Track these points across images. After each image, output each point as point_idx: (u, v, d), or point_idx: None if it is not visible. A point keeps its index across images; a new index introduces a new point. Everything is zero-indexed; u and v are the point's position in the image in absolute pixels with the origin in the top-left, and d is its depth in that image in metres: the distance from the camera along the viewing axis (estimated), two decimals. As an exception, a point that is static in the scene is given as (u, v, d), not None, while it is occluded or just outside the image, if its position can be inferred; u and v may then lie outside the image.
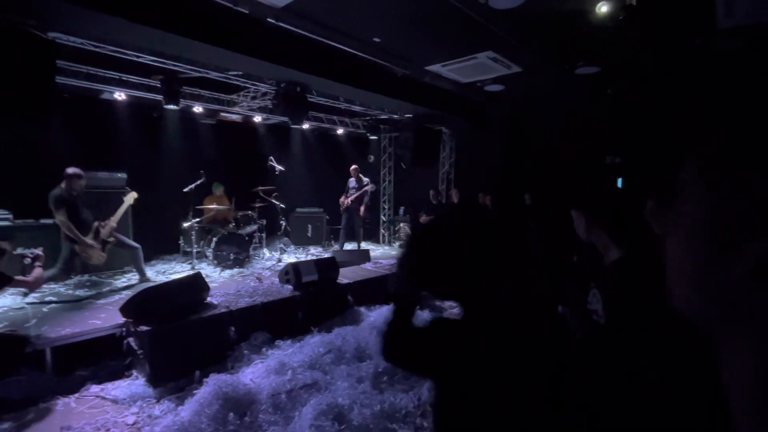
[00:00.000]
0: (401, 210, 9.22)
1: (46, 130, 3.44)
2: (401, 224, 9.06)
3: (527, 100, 6.77)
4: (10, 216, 4.99)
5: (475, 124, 7.28)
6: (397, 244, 8.97)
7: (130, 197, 5.10)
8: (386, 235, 9.33)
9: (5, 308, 4.02)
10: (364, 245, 8.64)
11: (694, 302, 0.34)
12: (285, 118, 6.35)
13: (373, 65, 5.15)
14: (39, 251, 3.58)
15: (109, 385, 3.33)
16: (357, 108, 7.17)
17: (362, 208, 7.54)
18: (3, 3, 3.03)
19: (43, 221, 5.11)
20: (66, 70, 4.82)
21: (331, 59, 4.75)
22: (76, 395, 3.19)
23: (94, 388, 3.28)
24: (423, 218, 6.69)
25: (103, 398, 3.16)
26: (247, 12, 3.76)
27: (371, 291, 5.23)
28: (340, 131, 8.65)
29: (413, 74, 5.57)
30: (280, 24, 4.01)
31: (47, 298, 4.42)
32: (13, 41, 3.10)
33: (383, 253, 7.98)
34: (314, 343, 3.83)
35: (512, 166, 7.17)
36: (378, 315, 4.67)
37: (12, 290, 4.09)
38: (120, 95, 5.75)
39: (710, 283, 0.32)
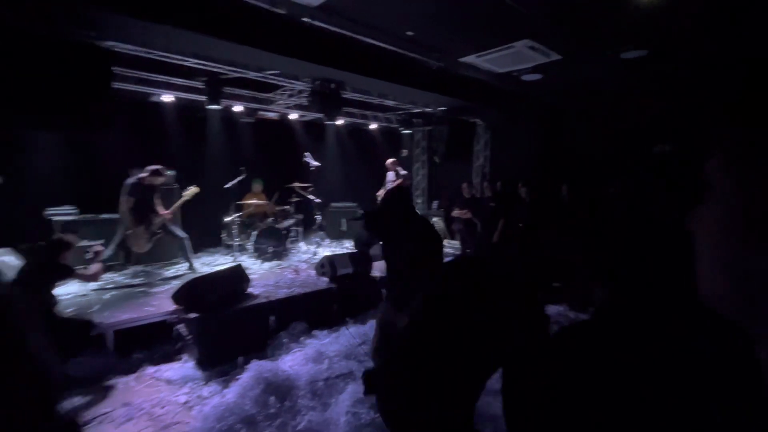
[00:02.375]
0: (434, 204, 9.17)
1: (105, 132, 3.72)
2: (435, 219, 9.01)
3: (567, 88, 6.50)
4: (77, 211, 5.47)
5: (511, 115, 7.09)
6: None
7: (191, 192, 5.41)
8: (419, 229, 9.34)
9: (72, 295, 4.43)
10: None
11: (725, 293, 0.35)
12: (320, 115, 6.51)
13: (406, 59, 5.15)
14: (100, 247, 3.92)
15: (162, 367, 3.60)
16: (390, 102, 7.19)
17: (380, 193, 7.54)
18: (66, 18, 3.31)
19: (104, 216, 5.55)
20: (120, 75, 5.18)
21: (364, 55, 4.80)
22: (134, 375, 3.47)
23: (150, 370, 3.56)
24: (456, 212, 6.62)
25: (158, 379, 3.42)
26: (284, 12, 3.87)
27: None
28: (373, 126, 8.71)
29: (447, 66, 5.51)
30: (315, 23, 4.10)
31: (107, 286, 4.83)
32: (74, 52, 3.38)
33: (416, 248, 7.98)
34: (350, 334, 3.93)
35: (550, 158, 6.93)
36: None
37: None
38: (167, 97, 6.11)
39: (741, 274, 0.32)
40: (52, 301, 3.35)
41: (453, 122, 6.76)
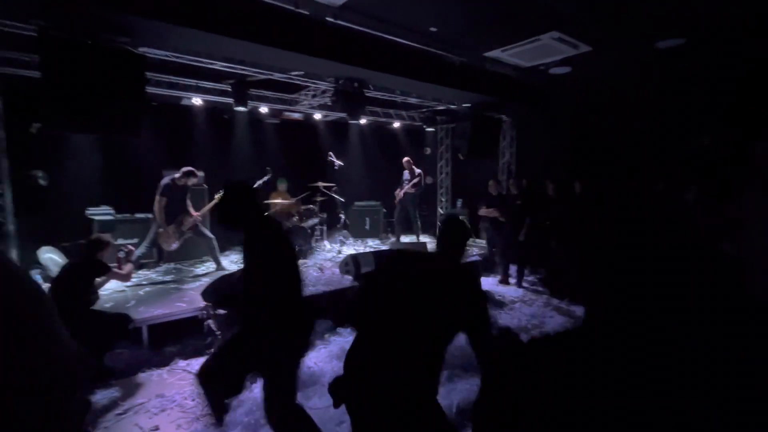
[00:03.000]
0: (459, 202, 9.05)
1: (138, 135, 3.88)
2: (459, 217, 8.90)
3: (598, 81, 6.26)
4: (113, 211, 5.74)
5: (538, 110, 6.90)
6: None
7: (219, 198, 5.58)
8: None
9: (110, 290, 4.64)
10: (422, 238, 8.65)
11: None
12: (343, 114, 6.54)
13: (429, 56, 5.09)
14: (132, 248, 4.09)
15: (193, 361, 3.72)
16: (413, 100, 7.15)
17: (404, 191, 7.51)
18: (102, 25, 3.46)
19: (138, 215, 5.80)
20: (152, 80, 5.39)
21: (388, 53, 4.78)
22: (167, 368, 3.61)
23: (182, 363, 3.69)
24: (482, 210, 6.50)
25: (189, 372, 3.54)
26: (308, 13, 3.91)
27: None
28: (396, 125, 8.69)
29: (471, 62, 5.42)
30: (339, 22, 4.12)
31: (142, 282, 5.04)
32: (110, 58, 3.54)
33: (440, 246, 7.91)
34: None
35: (579, 153, 6.69)
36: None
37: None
38: (197, 100, 6.30)
39: None
40: (93, 296, 3.52)
41: (477, 119, 6.64)
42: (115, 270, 3.67)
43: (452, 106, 7.53)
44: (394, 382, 1.59)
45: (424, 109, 8.32)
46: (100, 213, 5.62)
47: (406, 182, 7.59)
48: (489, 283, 6.37)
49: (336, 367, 3.32)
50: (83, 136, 5.67)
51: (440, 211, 9.26)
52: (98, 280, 3.52)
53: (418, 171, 7.59)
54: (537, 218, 6.05)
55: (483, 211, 6.50)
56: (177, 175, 5.17)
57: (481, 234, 8.11)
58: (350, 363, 1.75)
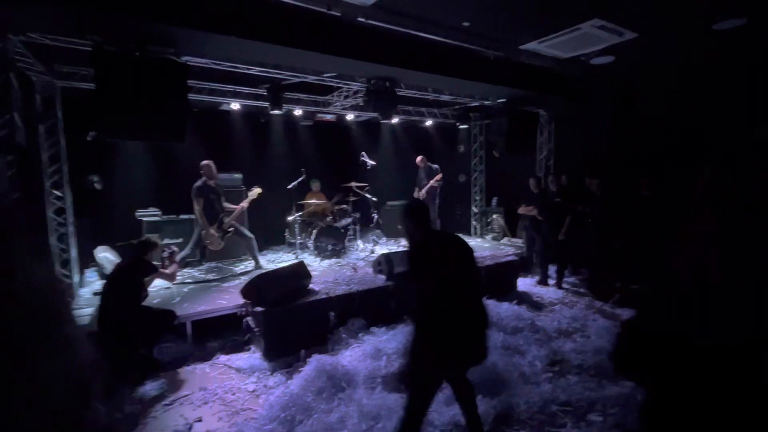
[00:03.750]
0: (494, 201, 8.82)
1: (183, 140, 4.08)
2: (494, 216, 8.67)
3: (644, 70, 5.88)
4: (159, 212, 6.08)
5: (578, 103, 6.58)
6: (490, 236, 8.62)
7: (255, 192, 5.77)
8: (478, 227, 9.03)
9: (157, 287, 4.91)
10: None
11: None
12: (375, 114, 6.56)
13: (462, 51, 4.99)
14: (175, 248, 4.30)
15: (233, 356, 3.87)
16: (446, 97, 7.04)
17: (428, 187, 7.42)
18: (149, 37, 3.67)
19: (182, 216, 6.10)
20: (194, 87, 5.66)
21: (419, 50, 4.74)
22: (209, 362, 3.77)
23: (223, 358, 3.84)
24: (522, 209, 6.28)
25: (229, 367, 3.68)
26: (339, 14, 3.95)
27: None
28: (428, 123, 8.60)
29: (506, 55, 5.25)
30: (370, 22, 4.12)
31: (186, 280, 5.30)
32: (156, 68, 3.74)
33: (475, 246, 7.73)
34: (408, 331, 3.89)
35: (625, 147, 6.32)
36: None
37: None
38: (235, 105, 6.54)
39: None
40: (143, 294, 3.74)
41: (513, 114, 6.44)
42: (162, 270, 3.88)
43: (486, 102, 7.35)
44: (474, 316, 2.25)
45: (457, 106, 8.18)
46: (149, 214, 5.97)
47: (425, 181, 7.54)
48: (526, 284, 6.15)
49: (370, 366, 3.32)
50: (133, 142, 6.05)
51: (474, 210, 9.07)
52: (146, 278, 3.73)
53: (435, 166, 7.52)
54: (578, 216, 5.77)
55: (522, 210, 6.29)
56: (203, 178, 5.36)
57: (519, 233, 7.87)
58: (428, 315, 2.12)
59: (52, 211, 4.85)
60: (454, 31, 4.56)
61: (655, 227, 4.94)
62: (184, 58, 4.32)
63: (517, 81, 5.68)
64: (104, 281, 4.16)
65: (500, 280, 5.59)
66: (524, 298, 5.38)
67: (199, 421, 2.90)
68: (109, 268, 5.09)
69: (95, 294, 4.84)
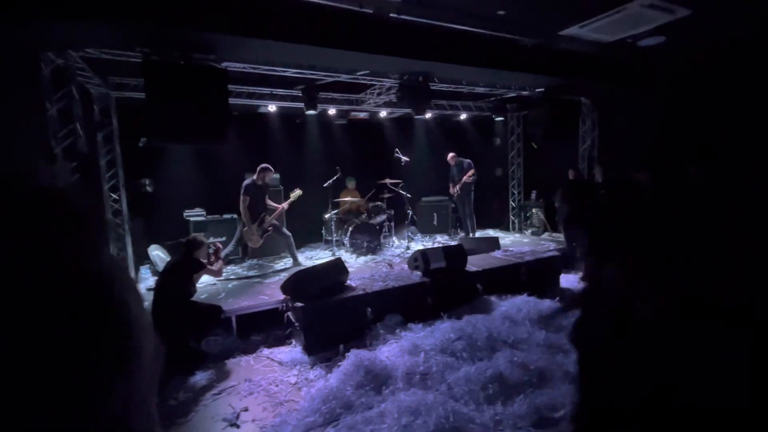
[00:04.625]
0: (533, 194, 8.52)
1: (224, 143, 4.26)
2: (534, 210, 8.38)
3: (699, 50, 5.43)
4: (204, 212, 6.40)
5: (624, 89, 6.20)
6: (530, 231, 8.34)
7: (295, 194, 5.94)
8: (516, 222, 8.77)
9: (204, 284, 5.18)
10: (492, 233, 8.32)
11: None
12: (408, 110, 6.53)
13: (498, 41, 4.85)
14: (219, 244, 4.51)
15: (276, 350, 4.00)
16: (481, 90, 6.88)
17: (461, 184, 7.32)
18: (191, 45, 3.86)
19: (225, 216, 6.39)
20: (233, 92, 5.89)
21: (453, 43, 4.65)
22: (253, 355, 3.92)
23: (266, 351, 3.98)
24: (560, 202, 6.04)
25: (272, 360, 3.81)
26: (371, 11, 3.95)
27: (501, 280, 5.01)
28: (463, 116, 8.44)
29: (544, 43, 5.04)
30: (402, 17, 4.10)
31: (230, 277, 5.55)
32: (199, 75, 3.93)
33: (514, 241, 7.53)
34: (445, 328, 3.86)
35: (678, 135, 5.88)
36: (510, 305, 4.44)
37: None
38: (272, 107, 6.75)
39: None
40: (192, 289, 3.96)
41: (553, 103, 6.17)
42: (208, 266, 4.08)
43: (524, 92, 7.10)
44: None
45: (493, 98, 7.96)
46: (195, 214, 6.30)
47: (458, 177, 7.41)
48: (570, 280, 5.90)
49: (408, 362, 3.32)
50: (179, 146, 6.40)
51: (512, 204, 8.81)
52: (195, 275, 3.94)
53: (467, 161, 7.40)
54: (626, 209, 5.45)
55: (560, 202, 6.04)
56: (255, 176, 5.59)
57: (558, 227, 7.56)
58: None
59: (110, 213, 5.25)
60: (489, 21, 4.44)
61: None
62: (224, 64, 4.51)
63: (557, 69, 5.44)
64: (157, 278, 4.44)
65: (541, 276, 5.39)
66: (568, 295, 5.16)
67: (246, 410, 3.03)
68: (160, 266, 5.43)
69: (149, 290, 5.18)
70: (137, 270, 5.79)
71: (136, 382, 0.33)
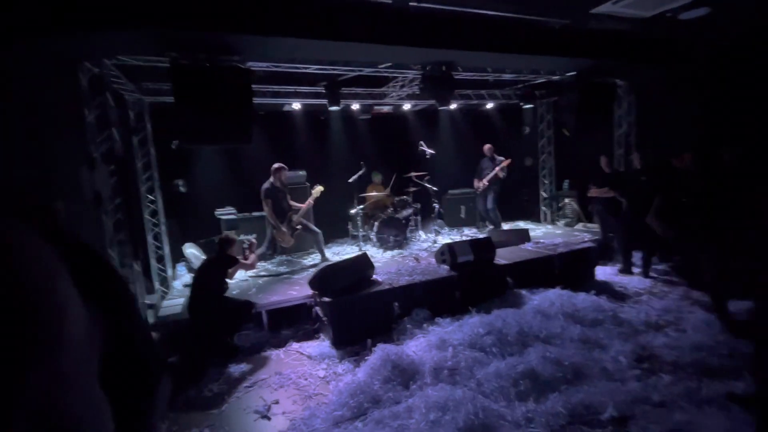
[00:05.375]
0: (566, 184, 8.18)
1: (250, 142, 4.34)
2: (566, 200, 8.05)
3: (748, 21, 4.98)
4: (234, 211, 6.58)
5: (664, 68, 5.80)
6: (563, 222, 8.02)
7: (317, 190, 5.99)
8: (548, 213, 8.46)
9: (235, 280, 5.34)
10: (522, 224, 8.07)
11: None
12: (432, 102, 6.41)
13: (524, 24, 4.65)
14: (254, 240, 4.61)
15: (305, 344, 4.07)
16: (507, 77, 6.64)
17: (491, 177, 7.12)
18: (217, 47, 3.93)
19: (255, 213, 6.55)
20: (258, 91, 5.99)
21: (477, 29, 4.50)
22: (283, 349, 4.00)
23: (295, 345, 4.05)
24: (593, 191, 5.76)
25: (301, 353, 3.88)
26: (390, 2, 3.89)
27: (533, 273, 4.84)
28: (489, 105, 8.20)
29: (574, 23, 4.79)
30: (422, 5, 4.00)
31: (261, 273, 5.68)
32: (224, 76, 4.01)
33: (546, 233, 7.27)
34: (473, 323, 3.78)
35: (724, 116, 5.44)
36: (542, 299, 4.29)
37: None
38: (296, 105, 6.81)
39: None
40: (225, 285, 4.08)
41: (585, 87, 5.86)
42: (243, 261, 4.20)
43: (554, 77, 6.79)
44: None
45: (521, 85, 7.68)
46: (226, 213, 6.49)
47: (487, 171, 7.17)
48: (606, 273, 5.63)
49: (436, 357, 3.28)
50: (209, 147, 6.59)
51: (543, 194, 8.50)
52: (230, 270, 4.06)
53: (499, 158, 7.19)
54: (670, 196, 5.11)
55: (594, 191, 5.75)
56: (272, 179, 5.62)
57: (593, 218, 7.24)
58: None
59: (148, 213, 5.49)
60: (513, 3, 4.25)
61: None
62: (248, 64, 4.58)
63: (589, 50, 5.16)
64: (193, 275, 4.61)
65: (575, 268, 5.18)
66: (604, 288, 4.93)
67: (276, 403, 3.10)
68: (195, 263, 5.65)
69: (185, 286, 5.40)
70: (174, 267, 6.05)
71: (58, 366, 0.32)
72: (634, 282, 5.24)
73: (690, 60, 5.73)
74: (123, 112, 4.99)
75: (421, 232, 7.17)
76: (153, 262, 5.41)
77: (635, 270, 5.51)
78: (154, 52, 4.23)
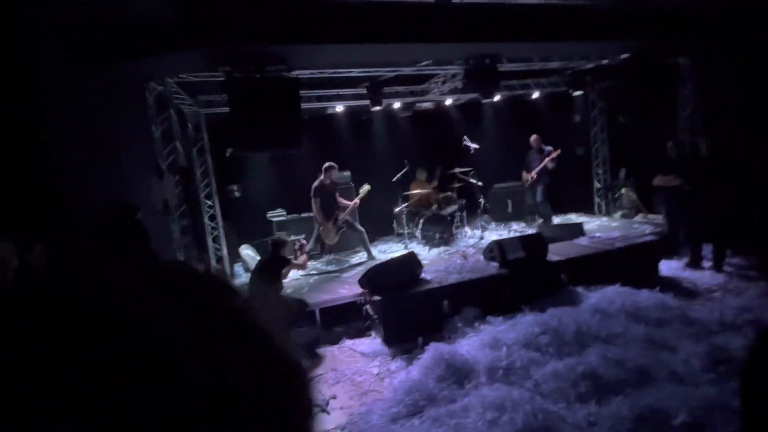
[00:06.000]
0: (622, 173, 7.68)
1: (300, 147, 4.52)
2: (623, 190, 7.56)
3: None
4: (284, 212, 6.87)
5: (732, 43, 5.26)
6: (619, 213, 7.55)
7: (364, 190, 6.12)
8: (603, 204, 8.00)
9: (288, 279, 5.58)
10: (575, 218, 7.71)
11: None
12: (475, 95, 6.28)
13: (568, 9, 4.43)
14: (304, 241, 4.81)
15: (357, 341, 4.18)
16: (555, 64, 6.35)
17: (540, 168, 6.83)
18: (265, 59, 4.13)
19: (303, 215, 6.80)
20: (303, 96, 6.19)
21: (520, 19, 4.36)
22: (337, 346, 4.15)
23: (348, 342, 4.18)
24: (659, 179, 5.34)
25: (354, 350, 3.99)
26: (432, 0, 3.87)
27: (589, 269, 4.63)
28: (536, 95, 7.87)
29: (624, 3, 4.48)
30: (465, 0, 3.95)
31: (312, 272, 5.90)
32: (273, 85, 4.21)
33: (600, 226, 6.89)
34: (527, 322, 3.69)
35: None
36: (601, 297, 4.08)
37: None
38: (339, 108, 6.96)
39: None
40: (280, 285, 4.30)
41: (641, 69, 5.47)
42: (294, 261, 4.40)
43: (604, 61, 6.39)
44: None
45: (569, 71, 7.30)
46: (277, 215, 6.80)
47: (536, 163, 6.88)
48: (672, 267, 5.24)
49: (489, 356, 3.24)
50: (260, 153, 6.92)
51: (597, 185, 8.05)
52: (283, 270, 4.27)
53: (548, 148, 6.84)
54: (738, 182, 4.67)
55: (659, 180, 5.35)
56: (322, 177, 5.80)
57: (656, 208, 6.76)
58: None
59: (207, 218, 5.90)
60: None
61: None
62: (294, 73, 4.76)
63: (642, 30, 4.81)
64: (249, 274, 4.89)
65: (636, 263, 4.87)
66: (670, 285, 4.60)
67: (334, 398, 3.23)
68: (250, 263, 5.98)
69: (242, 286, 5.73)
70: (232, 267, 6.44)
71: None
72: (705, 277, 4.84)
73: (756, 33, 5.15)
74: (183, 125, 5.38)
75: (467, 229, 7.08)
76: (213, 263, 5.80)
77: (706, 264, 5.08)
78: (209, 68, 4.52)
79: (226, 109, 4.27)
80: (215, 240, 6.01)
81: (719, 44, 5.40)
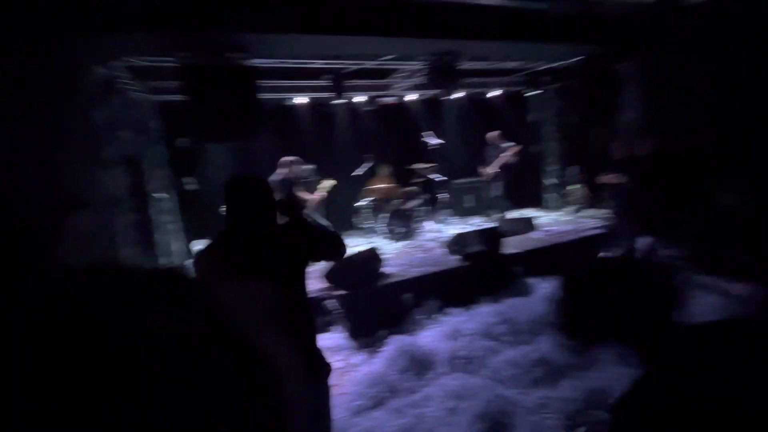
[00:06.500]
0: (572, 170, 8.14)
1: (256, 139, 4.38)
2: (574, 186, 8.02)
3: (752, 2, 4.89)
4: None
5: (677, 46, 5.70)
6: (570, 208, 8.00)
7: (328, 185, 6.02)
8: (553, 200, 8.45)
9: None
10: (529, 213, 8.07)
11: None
12: (437, 91, 6.38)
13: (528, 12, 4.60)
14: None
15: (320, 336, 4.14)
16: (512, 64, 6.59)
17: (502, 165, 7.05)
18: (222, 46, 3.95)
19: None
20: (262, 87, 5.98)
21: (479, 17, 4.47)
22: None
23: (312, 337, 4.13)
24: (605, 177, 5.71)
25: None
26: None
27: (542, 261, 4.88)
28: (494, 93, 8.13)
29: (578, 8, 4.73)
30: (426, -4, 3.98)
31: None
32: (230, 74, 4.03)
33: (552, 220, 7.28)
34: (485, 312, 3.85)
35: (735, 97, 5.37)
36: (552, 287, 4.33)
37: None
38: (300, 100, 6.81)
39: None
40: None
41: (592, 72, 5.81)
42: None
43: (558, 63, 6.72)
44: None
45: (524, 72, 7.60)
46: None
47: (495, 158, 7.12)
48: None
49: (449, 347, 3.35)
50: (216, 145, 6.62)
51: (550, 181, 8.47)
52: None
53: (507, 144, 7.09)
54: (678, 179, 5.10)
55: (606, 178, 5.72)
56: (284, 170, 5.65)
57: (603, 204, 7.22)
58: None
59: (158, 211, 5.57)
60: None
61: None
62: (254, 61, 4.59)
63: (594, 35, 5.10)
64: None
65: (586, 255, 5.21)
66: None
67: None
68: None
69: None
70: (183, 264, 6.15)
71: None
72: (642, 267, 5.25)
73: (696, 41, 5.63)
74: (132, 113, 5.03)
75: (429, 223, 7.21)
76: (163, 261, 5.51)
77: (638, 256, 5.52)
78: (162, 53, 4.25)
79: (180, 97, 4.04)
80: (167, 235, 5.70)
81: (665, 50, 5.83)
